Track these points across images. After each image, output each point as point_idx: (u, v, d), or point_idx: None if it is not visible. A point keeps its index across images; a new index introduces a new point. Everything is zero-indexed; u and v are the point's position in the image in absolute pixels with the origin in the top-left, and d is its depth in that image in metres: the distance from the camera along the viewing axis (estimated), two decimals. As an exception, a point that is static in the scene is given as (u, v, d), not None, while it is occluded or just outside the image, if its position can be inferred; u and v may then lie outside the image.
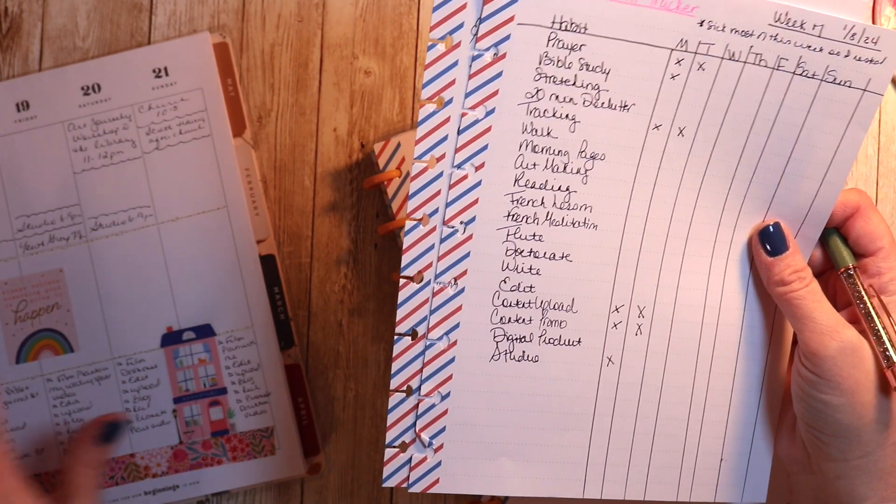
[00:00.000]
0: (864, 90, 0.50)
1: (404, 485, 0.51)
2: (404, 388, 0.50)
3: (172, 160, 0.60)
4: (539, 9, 0.47)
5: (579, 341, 0.52)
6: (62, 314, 0.60)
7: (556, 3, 0.47)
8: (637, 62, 0.49)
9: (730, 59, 0.49)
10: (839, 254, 0.52)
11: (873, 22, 0.62)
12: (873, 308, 0.50)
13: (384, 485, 0.51)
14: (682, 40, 0.49)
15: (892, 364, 0.49)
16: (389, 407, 0.51)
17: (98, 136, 0.60)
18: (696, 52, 0.49)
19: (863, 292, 0.51)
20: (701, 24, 0.49)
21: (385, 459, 0.51)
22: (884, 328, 0.49)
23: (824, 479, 0.51)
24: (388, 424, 0.51)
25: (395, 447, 0.51)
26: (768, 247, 0.51)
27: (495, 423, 0.52)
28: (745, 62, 0.50)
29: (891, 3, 0.62)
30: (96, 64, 0.60)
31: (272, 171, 0.61)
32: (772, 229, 0.51)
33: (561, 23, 0.48)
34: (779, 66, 0.50)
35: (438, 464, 0.51)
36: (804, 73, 0.50)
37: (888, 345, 0.49)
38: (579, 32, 0.48)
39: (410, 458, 0.51)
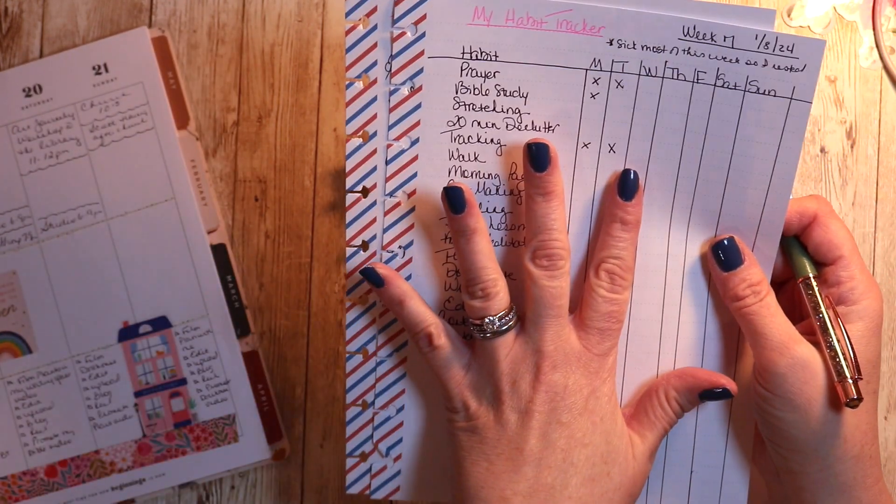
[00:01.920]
0: (791, 98, 0.49)
1: (367, 492, 0.53)
2: (360, 402, 0.52)
3: (118, 155, 0.60)
4: (447, 42, 0.48)
5: None
6: (18, 316, 0.60)
7: (463, 35, 0.48)
8: (554, 84, 0.49)
9: (647, 76, 0.49)
10: (798, 263, 0.51)
11: (873, 22, 0.62)
12: (829, 320, 0.49)
13: (347, 492, 0.53)
14: (595, 60, 0.49)
15: (843, 379, 0.47)
16: (347, 420, 0.53)
17: (42, 137, 0.60)
18: (611, 71, 0.49)
19: (820, 303, 0.49)
20: (610, 42, 0.48)
21: (347, 469, 0.53)
22: (838, 341, 0.48)
23: (792, 491, 0.51)
24: (347, 436, 0.53)
25: (355, 457, 0.53)
26: (722, 261, 0.50)
27: None
28: (663, 77, 0.49)
29: (891, 3, 0.62)
30: (36, 65, 0.61)
31: (272, 171, 0.61)
32: (725, 243, 0.50)
33: (471, 52, 0.49)
34: (698, 80, 0.49)
35: (398, 472, 0.53)
36: (725, 85, 0.49)
37: (841, 359, 0.48)
38: (491, 60, 0.49)
39: (371, 466, 0.53)
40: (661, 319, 0.52)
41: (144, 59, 0.61)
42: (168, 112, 0.61)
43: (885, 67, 0.62)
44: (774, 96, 0.49)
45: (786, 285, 0.53)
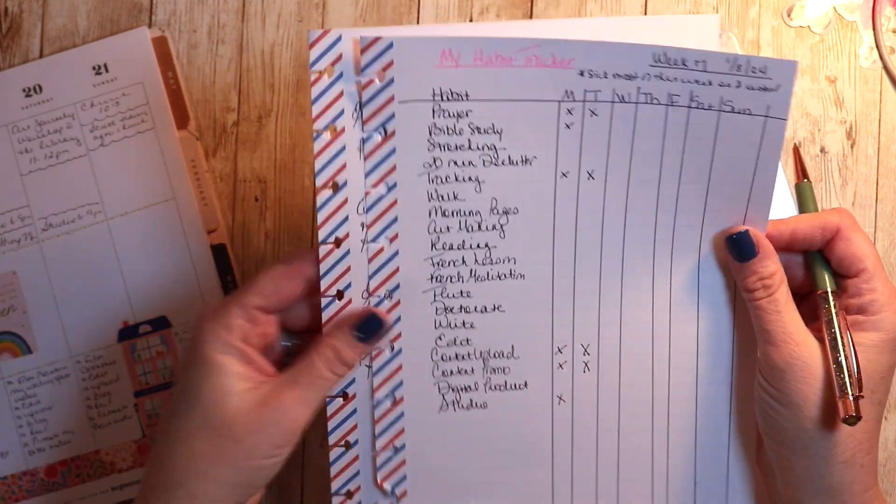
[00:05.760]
0: (766, 116, 0.48)
1: None
2: (343, 442, 0.52)
3: (118, 155, 0.60)
4: (416, 86, 0.48)
5: (525, 384, 0.52)
6: (18, 316, 0.60)
7: (432, 78, 0.48)
8: (528, 118, 0.49)
9: (621, 102, 0.49)
10: (818, 277, 0.51)
11: (873, 22, 0.61)
12: (840, 336, 0.49)
13: None
14: (567, 91, 0.48)
15: (844, 395, 0.48)
16: (331, 460, 0.52)
17: (42, 137, 0.60)
18: (584, 101, 0.49)
19: (833, 317, 0.50)
20: (581, 73, 0.48)
21: None
22: (846, 358, 0.49)
23: (782, 485, 0.51)
24: (331, 475, 0.52)
25: (341, 495, 0.53)
26: (736, 252, 0.50)
27: (456, 467, 0.53)
28: (637, 102, 0.49)
29: (891, 3, 0.62)
30: (36, 65, 0.61)
31: (272, 171, 0.61)
32: (739, 235, 0.50)
33: (441, 94, 0.48)
34: (672, 103, 0.49)
35: None
36: (700, 106, 0.49)
37: (845, 375, 0.48)
38: (462, 100, 0.49)
39: (360, 502, 0.53)
40: (652, 336, 0.53)
41: (144, 59, 0.61)
42: (168, 112, 0.61)
43: (885, 67, 0.62)
44: (750, 115, 0.49)
45: (810, 297, 0.53)
